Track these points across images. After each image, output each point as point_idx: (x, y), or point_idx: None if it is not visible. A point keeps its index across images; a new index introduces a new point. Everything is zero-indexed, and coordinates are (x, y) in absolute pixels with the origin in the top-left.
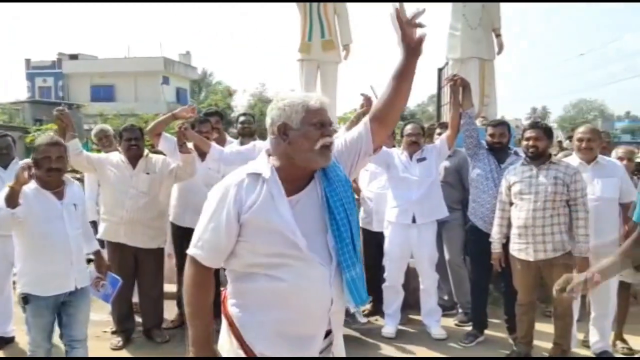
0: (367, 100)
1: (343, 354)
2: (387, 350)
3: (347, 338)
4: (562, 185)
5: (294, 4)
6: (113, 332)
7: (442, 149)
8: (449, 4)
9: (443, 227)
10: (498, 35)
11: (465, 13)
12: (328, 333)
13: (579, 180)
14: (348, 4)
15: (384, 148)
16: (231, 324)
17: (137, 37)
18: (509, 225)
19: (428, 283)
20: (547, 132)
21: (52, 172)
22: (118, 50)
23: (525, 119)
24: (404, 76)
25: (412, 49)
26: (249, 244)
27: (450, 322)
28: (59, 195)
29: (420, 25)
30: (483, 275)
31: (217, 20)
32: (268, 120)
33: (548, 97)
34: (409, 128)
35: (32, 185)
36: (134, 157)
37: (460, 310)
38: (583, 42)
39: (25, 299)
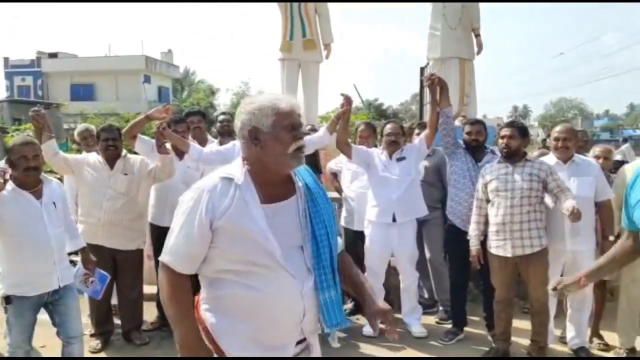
0: (347, 100)
1: (319, 354)
2: (366, 349)
3: (325, 336)
4: (538, 182)
5: (275, 3)
6: (92, 335)
7: (421, 148)
8: (429, 4)
9: (423, 226)
10: (477, 35)
11: (445, 13)
12: (302, 340)
13: (554, 172)
14: (329, 3)
15: (364, 148)
16: (204, 329)
17: (118, 36)
18: (487, 223)
19: (408, 282)
20: (522, 131)
21: (29, 171)
22: (98, 49)
23: (507, 118)
24: None
25: None
26: (221, 251)
27: (432, 320)
28: (37, 195)
29: None
30: (461, 274)
31: (200, 18)
32: (237, 124)
33: (529, 96)
34: (388, 127)
35: (9, 186)
36: (111, 158)
37: (441, 308)
38: (563, 41)
39: (8, 299)
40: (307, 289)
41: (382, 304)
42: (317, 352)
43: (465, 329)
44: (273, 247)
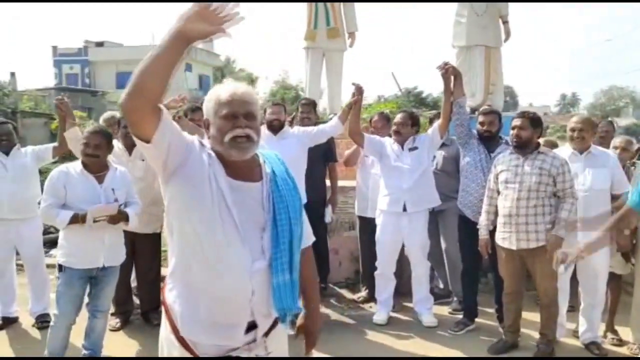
0: (358, 89)
1: (285, 353)
2: (373, 336)
3: (336, 324)
4: (547, 176)
5: None
6: (112, 314)
7: (434, 138)
8: None
9: (439, 216)
10: (505, 22)
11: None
12: (254, 327)
13: (566, 171)
14: None
15: (376, 137)
16: (166, 309)
17: (161, 25)
18: (497, 213)
19: (419, 271)
20: (533, 121)
21: (88, 157)
22: (143, 38)
23: (555, 107)
24: None
25: None
26: (186, 213)
27: (446, 310)
28: (100, 180)
29: None
30: (473, 264)
31: (242, 6)
32: (204, 108)
33: (578, 83)
34: (397, 117)
35: (79, 167)
36: (130, 144)
37: (455, 299)
38: (610, 27)
39: (60, 267)
40: (257, 268)
41: (314, 326)
42: (281, 348)
43: (478, 320)
44: (234, 217)
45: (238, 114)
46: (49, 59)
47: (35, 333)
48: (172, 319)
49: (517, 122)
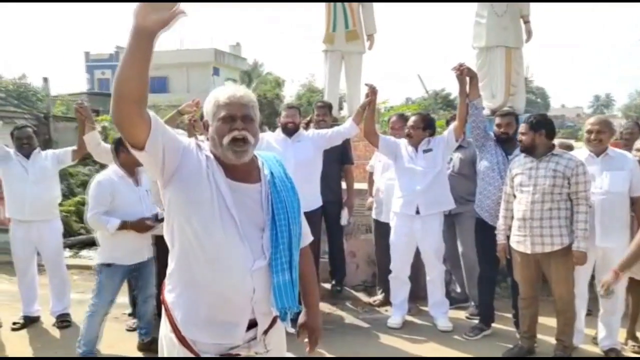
0: (372, 90)
1: (283, 350)
2: (386, 340)
3: (350, 327)
4: (562, 179)
5: None
6: (130, 315)
7: (450, 140)
8: None
9: (456, 219)
10: (527, 22)
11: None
12: (254, 324)
13: (581, 173)
14: None
15: (391, 138)
16: (166, 308)
17: (189, 30)
18: (513, 217)
19: (434, 274)
20: (533, 126)
21: (127, 160)
22: (171, 43)
23: (588, 108)
24: None
25: None
26: (185, 215)
27: (463, 314)
28: (136, 182)
29: None
30: (489, 268)
31: (269, 12)
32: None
33: (613, 84)
34: (410, 120)
35: (119, 172)
36: None
37: (472, 303)
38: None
39: (107, 265)
40: (258, 267)
41: (315, 322)
42: (280, 347)
43: (495, 325)
44: (234, 218)
45: (236, 116)
46: (81, 65)
47: (55, 332)
48: (172, 319)
49: (520, 128)
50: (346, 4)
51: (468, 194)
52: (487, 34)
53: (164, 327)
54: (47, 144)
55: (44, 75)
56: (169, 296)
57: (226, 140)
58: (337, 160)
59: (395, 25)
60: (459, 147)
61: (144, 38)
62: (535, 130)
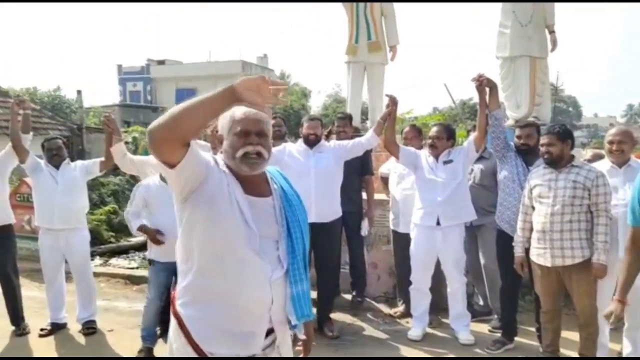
0: (392, 100)
1: (290, 353)
2: (406, 352)
3: (369, 338)
4: (582, 190)
5: (342, 7)
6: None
7: (470, 151)
8: (499, 3)
9: (478, 231)
10: (552, 32)
11: (515, 10)
12: (271, 331)
13: (601, 184)
14: (395, 4)
15: (412, 149)
16: (179, 322)
17: (218, 42)
18: (532, 229)
19: (455, 287)
20: (561, 136)
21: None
22: (201, 55)
23: (621, 117)
24: None
25: None
26: (204, 231)
27: (486, 328)
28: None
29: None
30: (511, 281)
31: (296, 23)
32: (219, 126)
33: None
34: (432, 130)
35: (157, 179)
36: None
37: (495, 316)
38: None
39: (150, 262)
40: (276, 277)
41: (308, 330)
42: (288, 350)
43: (518, 339)
44: (253, 232)
45: (251, 131)
46: (114, 77)
47: (81, 339)
48: (187, 332)
49: (545, 139)
50: (368, 14)
51: (489, 205)
52: (511, 44)
53: (178, 340)
54: (80, 155)
55: (78, 88)
56: (183, 310)
57: (240, 153)
58: (357, 171)
59: (423, 33)
60: (480, 158)
61: (231, 99)
62: (563, 141)
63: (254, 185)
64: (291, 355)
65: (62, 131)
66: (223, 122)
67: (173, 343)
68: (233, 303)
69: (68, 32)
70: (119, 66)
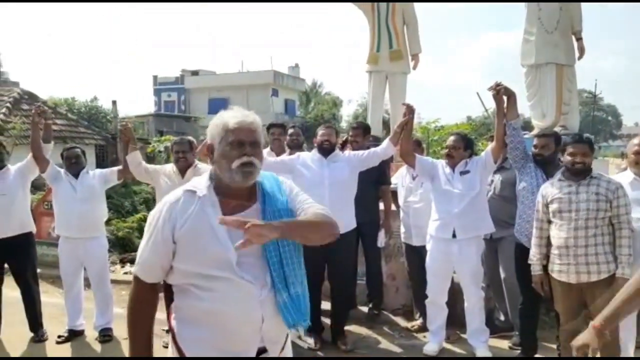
0: (409, 109)
1: None
2: None
3: (384, 352)
4: (605, 202)
5: (364, 17)
6: (167, 331)
7: (488, 161)
8: (524, 7)
9: (498, 244)
10: (579, 39)
11: (540, 16)
12: (264, 350)
13: (621, 196)
14: (418, 13)
15: (429, 159)
16: (173, 337)
17: (250, 53)
18: (549, 244)
19: (472, 301)
20: (591, 145)
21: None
22: (233, 66)
23: None
24: None
25: None
26: (183, 261)
27: (506, 344)
28: None
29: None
30: (531, 296)
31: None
32: (208, 134)
33: None
34: (449, 139)
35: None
36: (183, 168)
37: (516, 332)
38: None
39: None
40: (266, 295)
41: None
42: None
43: (538, 356)
44: (231, 255)
45: (245, 142)
46: (149, 88)
47: (97, 346)
48: (180, 349)
49: (578, 148)
50: (390, 23)
51: (510, 217)
52: (537, 51)
53: (171, 354)
54: (114, 163)
55: (114, 98)
56: (177, 326)
57: (235, 164)
58: (374, 181)
59: (452, 42)
60: (501, 169)
61: None
62: (592, 151)
63: (239, 198)
64: None
65: (98, 140)
66: (214, 131)
67: (171, 355)
68: (221, 324)
69: (107, 44)
70: (155, 77)
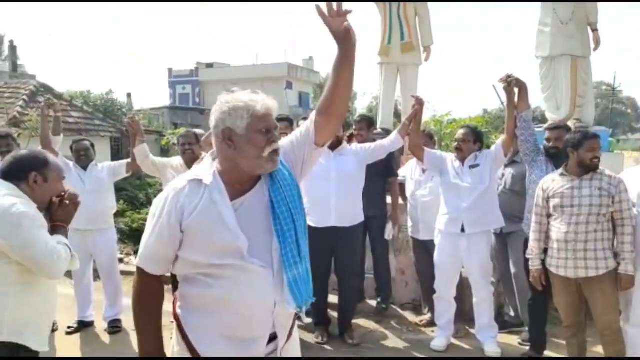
0: (418, 102)
1: (298, 352)
2: None
3: (391, 347)
4: (607, 197)
5: (375, 7)
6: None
7: (498, 155)
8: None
9: (509, 238)
10: (595, 30)
11: (555, 7)
12: (274, 338)
13: (623, 191)
14: (430, 4)
15: (437, 152)
16: (179, 326)
17: (264, 45)
18: (548, 239)
19: (481, 296)
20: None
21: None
22: (247, 58)
23: None
24: (340, 66)
25: (340, 38)
26: (191, 251)
27: (516, 340)
28: None
29: (344, 14)
30: (540, 291)
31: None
32: (212, 122)
33: None
34: (458, 133)
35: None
36: (189, 160)
37: (526, 328)
38: None
39: None
40: (276, 277)
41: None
42: (295, 353)
43: (548, 353)
44: (242, 243)
45: (272, 127)
46: (164, 81)
47: (106, 338)
48: (187, 338)
49: (597, 143)
50: (402, 15)
51: (520, 212)
52: (551, 43)
53: (179, 346)
54: (129, 156)
55: (129, 91)
56: (183, 314)
57: (267, 151)
58: (381, 174)
59: (468, 34)
60: (512, 163)
61: None
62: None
63: (245, 184)
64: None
65: (113, 133)
66: (235, 115)
67: (175, 346)
68: (232, 311)
69: (122, 37)
70: (170, 70)
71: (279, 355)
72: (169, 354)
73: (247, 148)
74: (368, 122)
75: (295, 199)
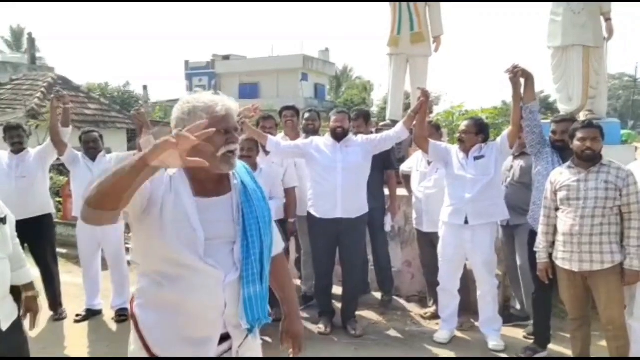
0: (424, 93)
1: (258, 354)
2: (427, 354)
3: (394, 339)
4: (614, 190)
5: None
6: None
7: (503, 146)
8: None
9: (515, 231)
10: (608, 20)
11: None
12: (227, 337)
13: (632, 184)
14: None
15: (442, 144)
16: (135, 324)
17: (280, 37)
18: (555, 232)
19: (485, 289)
20: (602, 131)
21: (243, 158)
22: (263, 50)
23: None
24: None
25: None
26: (149, 231)
27: (521, 333)
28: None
29: None
30: (544, 285)
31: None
32: (172, 122)
33: None
34: (461, 124)
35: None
36: None
37: (532, 322)
38: None
39: None
40: (230, 281)
41: (296, 329)
42: (254, 352)
43: (552, 346)
44: (199, 234)
45: (231, 128)
46: (181, 73)
47: (113, 326)
48: (142, 336)
49: (588, 133)
50: (412, 5)
51: (527, 204)
52: (563, 33)
53: (135, 343)
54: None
55: (144, 84)
56: (139, 312)
57: (222, 152)
58: (379, 166)
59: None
60: (521, 154)
61: (146, 171)
62: (603, 137)
63: (210, 183)
64: (258, 354)
65: (129, 125)
66: (194, 115)
67: (132, 344)
68: (183, 309)
69: (139, 30)
70: (186, 62)
71: (234, 355)
72: (129, 354)
73: (202, 146)
74: (364, 116)
75: (266, 224)
